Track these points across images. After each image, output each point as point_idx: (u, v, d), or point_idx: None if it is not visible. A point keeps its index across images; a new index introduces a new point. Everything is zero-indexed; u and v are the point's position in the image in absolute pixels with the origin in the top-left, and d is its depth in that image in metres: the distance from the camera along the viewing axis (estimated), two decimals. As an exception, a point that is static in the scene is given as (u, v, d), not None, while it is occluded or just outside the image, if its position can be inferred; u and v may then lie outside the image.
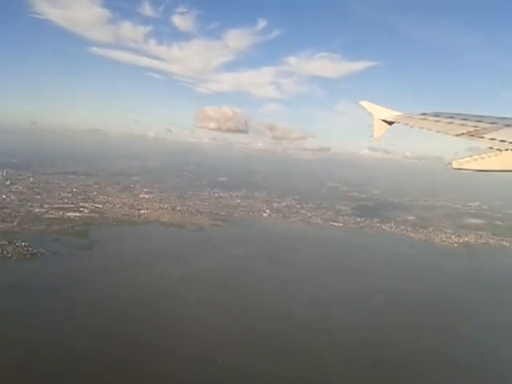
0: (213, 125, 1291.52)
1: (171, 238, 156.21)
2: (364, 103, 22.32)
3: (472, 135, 13.12)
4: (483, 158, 10.03)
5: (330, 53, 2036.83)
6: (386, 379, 77.23)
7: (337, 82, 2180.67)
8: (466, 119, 15.52)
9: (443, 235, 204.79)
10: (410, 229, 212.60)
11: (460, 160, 9.90)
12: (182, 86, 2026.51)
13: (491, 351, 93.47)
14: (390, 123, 20.54)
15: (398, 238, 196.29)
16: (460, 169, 9.87)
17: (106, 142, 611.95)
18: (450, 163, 9.89)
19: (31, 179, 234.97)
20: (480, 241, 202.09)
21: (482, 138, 12.52)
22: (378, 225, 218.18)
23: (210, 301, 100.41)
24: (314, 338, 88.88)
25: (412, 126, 17.57)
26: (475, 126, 13.97)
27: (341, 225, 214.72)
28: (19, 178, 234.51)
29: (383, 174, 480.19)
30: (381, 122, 20.90)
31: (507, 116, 15.23)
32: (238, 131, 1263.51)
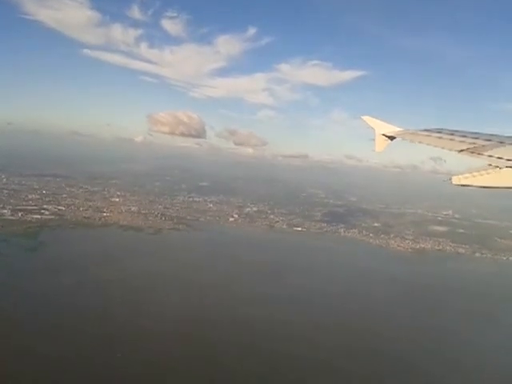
0: (166, 129, 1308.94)
1: (122, 241, 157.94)
2: (366, 118, 23.00)
3: (472, 152, 13.54)
4: (482, 175, 10.33)
5: (321, 61, 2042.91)
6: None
7: (329, 91, 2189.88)
8: (466, 136, 16.08)
9: (401, 241, 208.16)
10: (371, 235, 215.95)
11: (459, 176, 10.27)
12: (175, 91, 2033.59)
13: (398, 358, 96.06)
14: (392, 138, 21.20)
15: (355, 244, 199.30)
16: (459, 185, 10.23)
17: (93, 145, 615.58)
18: (449, 179, 10.23)
19: (4, 180, 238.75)
20: (436, 247, 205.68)
21: (481, 154, 12.89)
22: (341, 230, 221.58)
23: (126, 302, 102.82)
24: (218, 337, 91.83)
25: (413, 142, 18.15)
26: (475, 143, 14.47)
27: (304, 230, 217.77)
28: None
29: (365, 181, 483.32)
30: (382, 136, 21.57)
31: (497, 128, 16.35)
32: (191, 135, 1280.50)
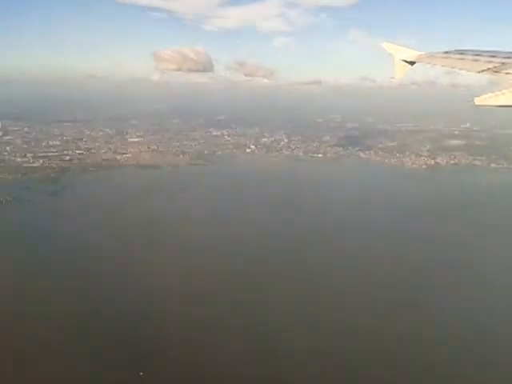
0: (172, 66, 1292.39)
1: (139, 180, 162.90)
2: (385, 44, 22.70)
3: (494, 71, 13.39)
4: (505, 94, 10.13)
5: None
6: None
7: (345, 11, 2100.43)
8: (488, 55, 15.83)
9: (416, 159, 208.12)
10: (386, 155, 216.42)
11: (482, 97, 10.21)
12: (186, 25, 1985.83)
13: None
14: (412, 63, 21.16)
15: (370, 165, 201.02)
16: (482, 105, 10.35)
17: (109, 87, 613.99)
18: (472, 100, 10.26)
19: (26, 129, 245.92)
20: (451, 161, 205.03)
21: (504, 73, 12.78)
22: (357, 153, 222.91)
23: (141, 236, 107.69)
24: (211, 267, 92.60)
25: (434, 65, 18.20)
26: (497, 63, 14.30)
27: (320, 156, 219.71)
28: (15, 128, 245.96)
29: (382, 101, 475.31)
30: (402, 62, 21.43)
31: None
32: (198, 70, 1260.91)
